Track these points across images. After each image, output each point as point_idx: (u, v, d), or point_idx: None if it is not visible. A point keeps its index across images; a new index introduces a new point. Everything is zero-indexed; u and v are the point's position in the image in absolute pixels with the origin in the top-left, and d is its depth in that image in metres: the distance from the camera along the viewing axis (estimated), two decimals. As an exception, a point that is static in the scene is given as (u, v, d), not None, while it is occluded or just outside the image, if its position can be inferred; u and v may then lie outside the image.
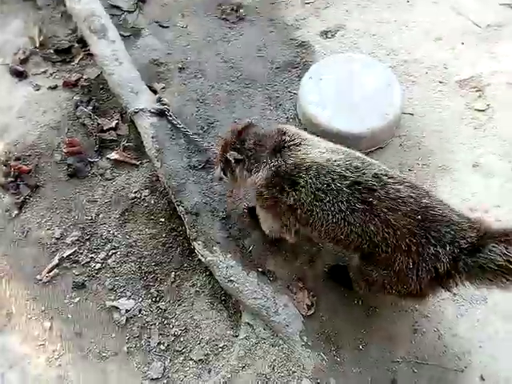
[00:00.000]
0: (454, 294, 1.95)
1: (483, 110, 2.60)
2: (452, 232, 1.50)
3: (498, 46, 2.84)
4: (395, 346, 1.95)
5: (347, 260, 2.01)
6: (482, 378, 1.87)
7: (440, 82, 2.71)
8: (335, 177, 1.64)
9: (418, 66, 2.76)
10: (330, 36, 2.90)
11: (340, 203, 1.63)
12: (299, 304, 2.03)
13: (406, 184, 1.60)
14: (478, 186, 2.36)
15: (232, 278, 2.06)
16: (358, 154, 1.76)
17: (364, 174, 1.62)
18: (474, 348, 1.92)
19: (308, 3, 3.05)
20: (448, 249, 1.49)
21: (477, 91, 2.66)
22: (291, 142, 1.79)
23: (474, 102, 2.63)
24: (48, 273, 2.26)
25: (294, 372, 1.92)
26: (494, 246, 1.46)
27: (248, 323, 2.05)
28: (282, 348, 1.96)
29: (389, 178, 1.61)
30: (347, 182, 1.62)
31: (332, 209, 1.66)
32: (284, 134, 1.82)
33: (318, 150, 1.74)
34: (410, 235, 1.52)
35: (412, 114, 2.57)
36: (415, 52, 2.82)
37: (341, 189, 1.62)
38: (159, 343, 2.11)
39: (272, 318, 1.98)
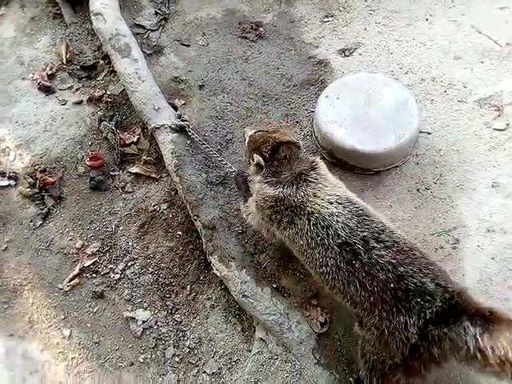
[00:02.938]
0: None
1: (503, 130, 2.60)
2: (421, 302, 1.51)
3: (519, 64, 2.84)
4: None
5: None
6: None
7: (459, 101, 2.73)
8: (330, 233, 1.70)
9: (437, 85, 2.79)
10: (348, 54, 2.96)
11: (328, 258, 1.70)
12: (312, 321, 2.07)
13: (394, 249, 1.61)
14: (496, 207, 2.36)
15: (246, 293, 2.11)
16: (362, 207, 1.77)
17: (354, 235, 1.66)
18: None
19: (327, 21, 3.12)
20: (414, 319, 1.50)
21: (496, 110, 2.67)
22: (313, 180, 1.84)
23: (494, 121, 2.63)
24: (69, 282, 2.36)
25: (305, 389, 1.95)
26: (468, 326, 1.44)
27: (261, 339, 2.09)
28: (295, 365, 2.00)
29: (378, 242, 1.63)
30: (339, 240, 1.68)
31: (320, 260, 1.73)
32: (314, 169, 1.88)
33: (328, 199, 1.77)
34: (382, 302, 1.56)
35: (429, 133, 2.60)
36: (433, 70, 2.85)
37: (331, 246, 1.69)
38: (174, 355, 2.18)
39: (285, 335, 2.02)
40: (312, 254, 1.76)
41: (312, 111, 2.69)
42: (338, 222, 1.70)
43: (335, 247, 1.68)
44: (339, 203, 1.76)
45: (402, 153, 2.48)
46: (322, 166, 1.92)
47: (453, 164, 2.52)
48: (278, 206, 1.84)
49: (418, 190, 2.45)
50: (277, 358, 2.04)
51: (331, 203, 1.76)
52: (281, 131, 2.03)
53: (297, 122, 2.69)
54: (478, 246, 2.26)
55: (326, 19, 3.13)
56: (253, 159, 1.97)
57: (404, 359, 1.56)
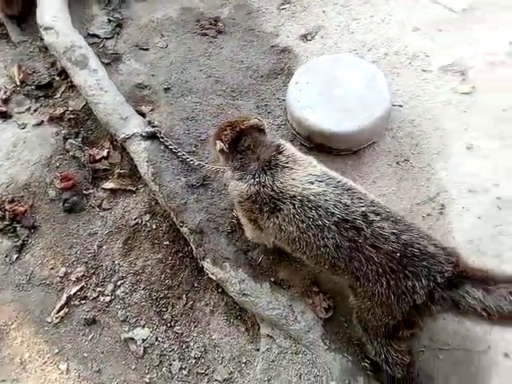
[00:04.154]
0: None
1: (469, 93, 2.72)
2: (428, 266, 1.60)
3: (475, 28, 2.97)
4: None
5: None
6: (507, 355, 1.95)
7: (423, 71, 2.83)
8: (322, 213, 1.70)
9: (401, 58, 2.88)
10: (310, 39, 3.02)
11: (325, 239, 1.71)
12: (317, 308, 2.10)
13: (391, 219, 1.68)
14: (473, 168, 2.46)
15: (246, 292, 2.12)
16: (349, 183, 1.81)
17: (352, 212, 1.68)
18: (496, 328, 1.99)
19: (284, 9, 3.17)
20: (424, 282, 1.59)
21: (460, 75, 2.79)
22: (285, 164, 1.84)
23: (459, 86, 2.75)
24: (57, 313, 2.30)
25: (321, 377, 1.97)
26: (471, 289, 1.56)
27: (268, 335, 2.10)
28: (306, 354, 2.01)
29: (376, 214, 1.68)
30: (334, 218, 1.69)
31: (317, 242, 1.73)
32: (281, 152, 1.87)
33: (307, 179, 1.78)
34: (390, 272, 1.62)
35: (401, 106, 2.68)
36: (396, 44, 2.95)
37: (327, 226, 1.69)
38: (181, 368, 2.16)
39: (291, 327, 2.04)
40: (305, 239, 1.76)
41: (283, 99, 2.73)
42: (327, 201, 1.71)
43: (332, 226, 1.69)
44: (322, 181, 1.77)
45: (377, 129, 2.54)
46: (289, 147, 1.92)
47: (427, 132, 2.61)
48: (255, 198, 1.83)
49: (397, 162, 2.53)
50: (287, 352, 2.06)
51: (312, 183, 1.77)
52: (241, 117, 2.01)
53: (269, 112, 2.71)
54: (463, 207, 2.35)
55: (282, 7, 3.18)
56: (216, 148, 1.96)
57: (404, 316, 1.67)
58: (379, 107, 2.49)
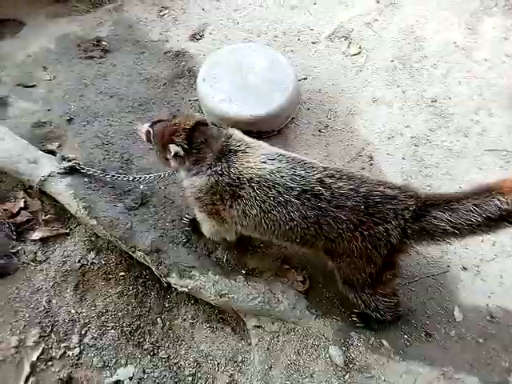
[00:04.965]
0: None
1: (358, 53, 3.05)
2: (392, 207, 1.73)
3: (344, -4, 3.34)
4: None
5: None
6: (464, 268, 2.26)
7: (313, 43, 3.11)
8: (281, 189, 1.80)
9: (289, 36, 3.13)
10: (199, 37, 3.12)
11: (291, 213, 1.80)
12: (294, 284, 2.21)
13: (344, 178, 1.80)
14: (384, 117, 2.78)
15: (223, 292, 2.15)
16: (298, 157, 1.91)
17: (309, 181, 1.79)
18: (447, 248, 2.29)
19: (164, 15, 3.23)
20: (394, 223, 1.73)
21: (346, 39, 3.12)
22: (237, 148, 1.90)
23: (348, 49, 3.08)
24: (25, 385, 2.12)
25: (318, 345, 2.08)
26: (438, 214, 1.71)
27: (255, 326, 2.16)
28: (298, 330, 2.12)
29: (330, 177, 1.79)
30: (295, 192, 1.79)
31: (283, 219, 1.82)
32: (230, 137, 1.94)
33: (259, 160, 1.86)
34: (360, 225, 1.74)
35: (305, 79, 2.92)
36: (280, 25, 3.19)
37: (289, 200, 1.79)
38: (179, 391, 2.13)
39: (277, 309, 2.12)
40: (271, 219, 1.85)
41: (194, 100, 2.80)
42: (283, 177, 1.81)
43: (294, 199, 1.78)
44: (274, 160, 1.87)
45: (292, 104, 2.74)
46: (237, 133, 2.00)
47: (335, 97, 2.88)
48: (215, 188, 1.88)
49: (319, 130, 2.76)
50: (279, 335, 2.14)
51: (264, 162, 1.86)
52: (182, 116, 2.04)
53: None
54: (388, 154, 2.65)
55: (162, 13, 3.24)
56: (170, 152, 1.94)
57: (383, 259, 1.81)
58: (289, 84, 2.69)
